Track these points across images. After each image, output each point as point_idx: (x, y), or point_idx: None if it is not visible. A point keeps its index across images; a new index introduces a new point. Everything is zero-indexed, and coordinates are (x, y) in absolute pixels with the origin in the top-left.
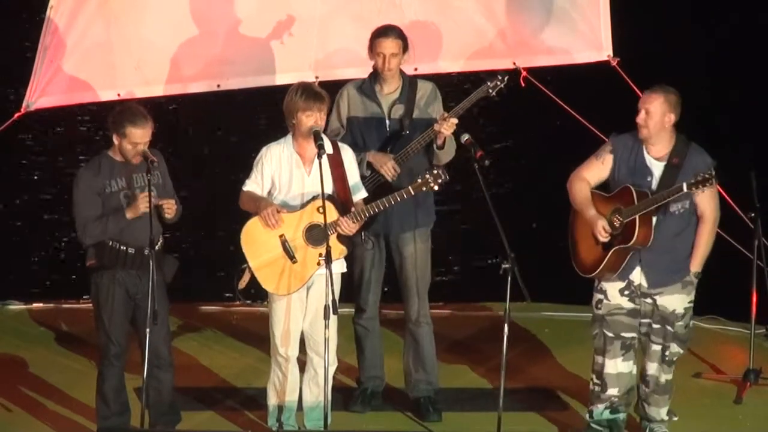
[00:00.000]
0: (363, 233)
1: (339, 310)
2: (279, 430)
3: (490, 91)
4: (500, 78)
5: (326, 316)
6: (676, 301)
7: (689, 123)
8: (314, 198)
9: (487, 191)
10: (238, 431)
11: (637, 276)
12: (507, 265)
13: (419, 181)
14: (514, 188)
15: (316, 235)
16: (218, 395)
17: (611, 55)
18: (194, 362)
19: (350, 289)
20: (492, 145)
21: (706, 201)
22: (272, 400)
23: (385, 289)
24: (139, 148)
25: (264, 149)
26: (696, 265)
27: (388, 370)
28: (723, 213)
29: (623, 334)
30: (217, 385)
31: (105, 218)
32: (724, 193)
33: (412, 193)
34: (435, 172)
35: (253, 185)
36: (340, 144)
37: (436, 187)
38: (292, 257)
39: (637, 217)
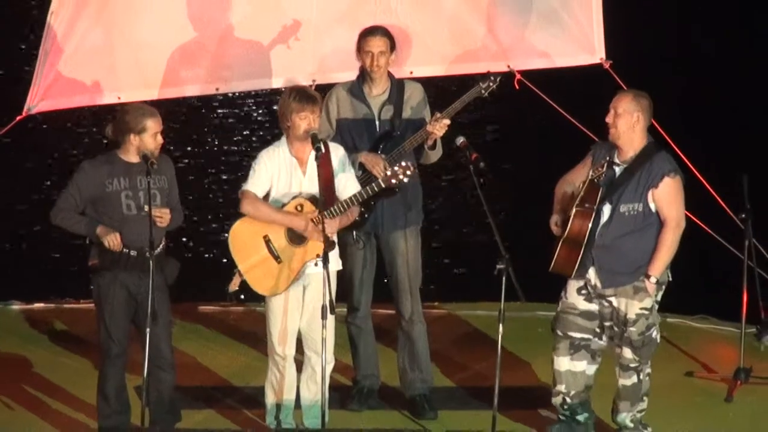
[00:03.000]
0: (354, 232)
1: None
2: (277, 428)
3: (483, 92)
4: (492, 79)
5: (324, 316)
6: (627, 306)
7: (681, 125)
8: (294, 198)
9: (482, 193)
10: (237, 430)
11: (593, 275)
12: (502, 266)
13: (388, 173)
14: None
15: (296, 234)
16: (217, 394)
17: (604, 57)
18: (193, 361)
19: (342, 288)
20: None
21: (666, 206)
22: (270, 399)
23: (384, 280)
24: (159, 138)
25: (263, 152)
26: (654, 270)
27: (382, 369)
28: (715, 214)
29: (571, 334)
30: (215, 383)
31: (81, 218)
32: (716, 195)
33: (383, 185)
34: (404, 164)
35: (254, 187)
36: (331, 144)
37: (405, 180)
38: (276, 257)
39: (573, 208)
